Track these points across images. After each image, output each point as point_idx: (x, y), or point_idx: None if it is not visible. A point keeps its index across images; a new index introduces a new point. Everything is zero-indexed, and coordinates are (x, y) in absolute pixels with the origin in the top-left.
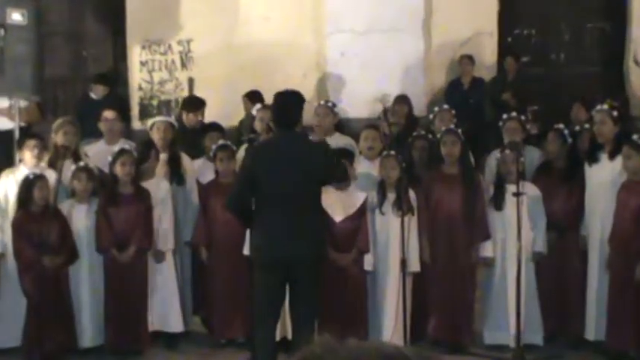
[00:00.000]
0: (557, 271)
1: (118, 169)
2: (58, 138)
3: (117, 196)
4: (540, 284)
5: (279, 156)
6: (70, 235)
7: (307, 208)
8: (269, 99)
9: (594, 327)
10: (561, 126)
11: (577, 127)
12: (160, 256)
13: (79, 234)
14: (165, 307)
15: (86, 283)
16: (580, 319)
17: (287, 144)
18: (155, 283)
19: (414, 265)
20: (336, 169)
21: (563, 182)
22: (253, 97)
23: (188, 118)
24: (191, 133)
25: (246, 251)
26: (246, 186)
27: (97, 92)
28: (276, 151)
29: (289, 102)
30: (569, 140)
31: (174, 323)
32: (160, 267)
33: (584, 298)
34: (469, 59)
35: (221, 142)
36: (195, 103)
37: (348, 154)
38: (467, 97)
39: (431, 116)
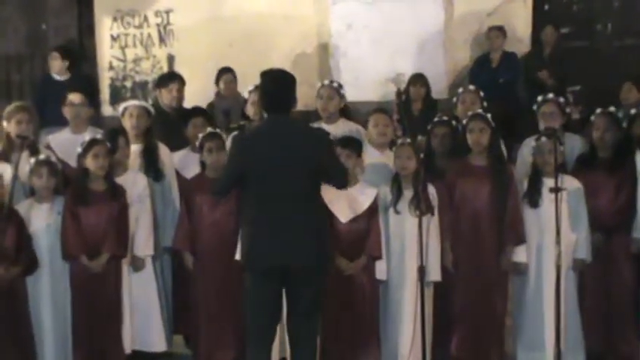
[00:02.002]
0: (603, 279)
1: (90, 163)
2: (11, 127)
3: (87, 194)
4: (583, 295)
5: (271, 146)
6: (28, 240)
7: (307, 207)
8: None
9: None
10: (612, 109)
11: (633, 111)
12: (138, 264)
13: (39, 239)
14: (145, 323)
15: (47, 296)
16: (632, 338)
17: (280, 132)
18: (132, 294)
19: (434, 274)
20: (343, 171)
21: (609, 175)
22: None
23: (162, 96)
24: (171, 119)
25: (238, 257)
26: (233, 182)
27: (55, 68)
28: (268, 141)
29: (279, 82)
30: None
31: (156, 341)
32: (139, 276)
33: (636, 313)
34: (499, 31)
35: (209, 130)
36: (167, 77)
37: (354, 144)
38: (496, 75)
39: (454, 99)
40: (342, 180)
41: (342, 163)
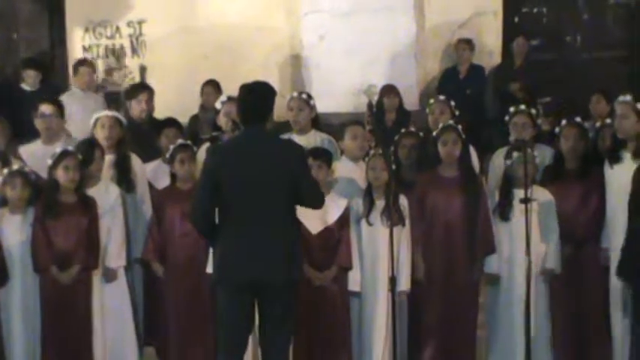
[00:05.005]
0: (573, 290)
1: (60, 175)
2: None
3: (57, 206)
4: (553, 306)
5: (246, 158)
6: None
7: (279, 220)
8: (233, 91)
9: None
10: (578, 119)
11: (598, 123)
12: (110, 275)
13: (11, 250)
14: (118, 334)
15: (18, 309)
16: (602, 349)
17: (255, 144)
18: (105, 306)
19: (404, 284)
20: (319, 193)
21: (577, 185)
22: (218, 87)
23: (132, 107)
24: (142, 130)
25: (209, 269)
26: (209, 194)
27: (28, 81)
28: (243, 153)
29: (258, 94)
30: (590, 136)
31: (129, 353)
32: (112, 287)
33: (606, 324)
34: (467, 44)
35: (180, 141)
36: (135, 89)
37: (325, 155)
38: (463, 87)
39: (427, 110)
40: (318, 201)
41: (317, 184)
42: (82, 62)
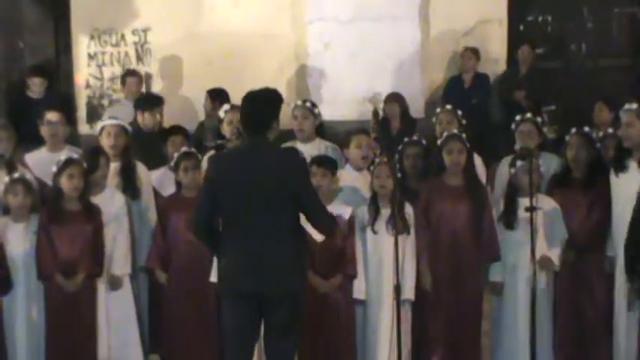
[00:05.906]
0: (577, 298)
1: (64, 183)
2: None
3: (61, 213)
4: (556, 313)
5: (247, 168)
6: (3, 259)
7: (283, 230)
8: (238, 98)
9: None
10: (586, 128)
11: (601, 133)
12: (115, 282)
13: (14, 258)
14: (123, 342)
15: (22, 316)
16: (605, 355)
17: (257, 153)
18: (110, 313)
19: (408, 292)
20: (324, 210)
21: (583, 194)
22: (216, 95)
23: (144, 119)
24: (149, 137)
25: (214, 278)
26: (209, 204)
27: (34, 88)
28: (244, 162)
29: (260, 102)
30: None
31: (134, 359)
32: (117, 295)
33: (609, 332)
34: (472, 52)
35: (184, 149)
36: (151, 101)
37: (329, 163)
38: (469, 96)
39: (434, 119)
40: (327, 222)
41: (322, 203)
42: (129, 73)
